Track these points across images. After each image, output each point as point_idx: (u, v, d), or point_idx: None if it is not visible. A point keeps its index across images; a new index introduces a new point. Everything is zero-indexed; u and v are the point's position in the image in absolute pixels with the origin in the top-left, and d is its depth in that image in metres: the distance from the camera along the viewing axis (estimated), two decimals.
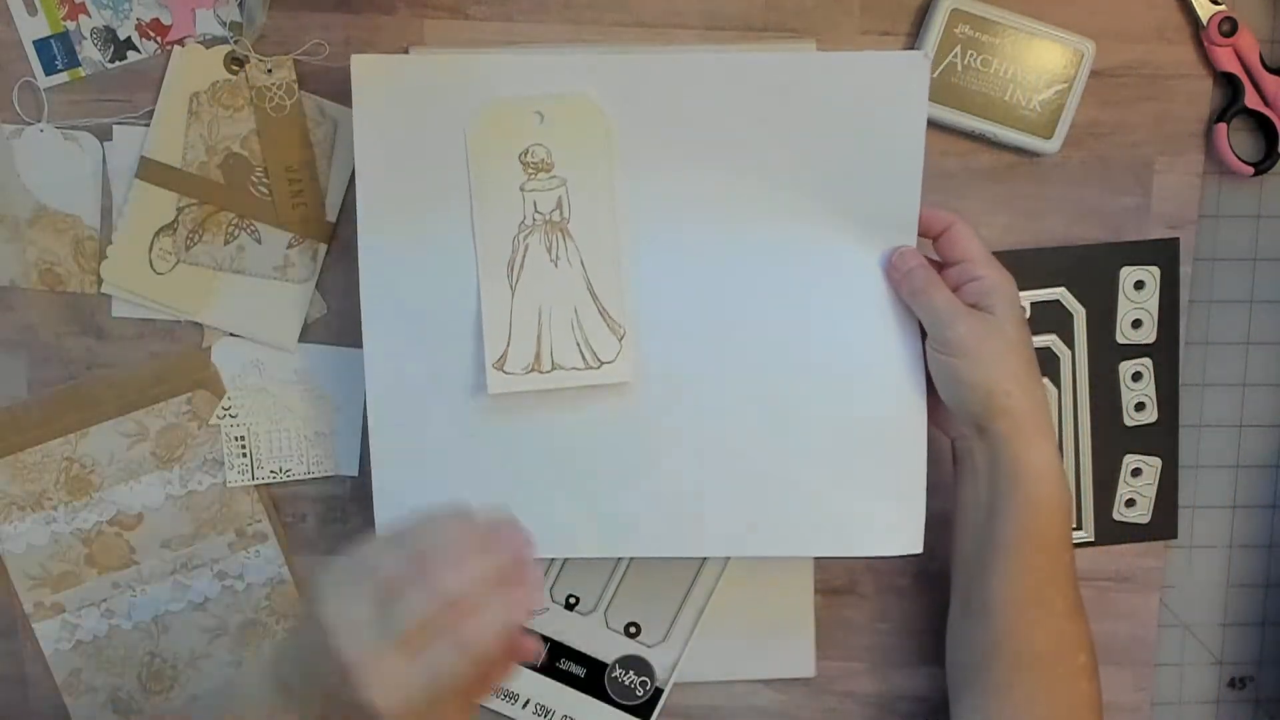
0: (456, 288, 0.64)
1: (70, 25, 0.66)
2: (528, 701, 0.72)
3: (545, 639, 0.72)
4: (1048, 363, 0.70)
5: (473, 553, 0.50)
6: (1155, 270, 0.70)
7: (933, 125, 0.69)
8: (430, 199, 0.64)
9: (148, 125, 0.67)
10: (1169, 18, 0.70)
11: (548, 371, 0.64)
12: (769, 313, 0.65)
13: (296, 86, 0.67)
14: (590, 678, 0.72)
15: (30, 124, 0.67)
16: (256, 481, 0.70)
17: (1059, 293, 0.70)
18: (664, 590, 0.72)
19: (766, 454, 0.65)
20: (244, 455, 0.70)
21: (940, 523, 0.67)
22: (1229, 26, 0.69)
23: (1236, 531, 0.76)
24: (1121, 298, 0.71)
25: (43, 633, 0.70)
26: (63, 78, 0.67)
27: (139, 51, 0.67)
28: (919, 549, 0.66)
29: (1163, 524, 0.72)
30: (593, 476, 0.65)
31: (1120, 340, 0.71)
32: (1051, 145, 0.69)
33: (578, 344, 0.64)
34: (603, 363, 0.64)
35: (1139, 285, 0.70)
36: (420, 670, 0.48)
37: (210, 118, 0.67)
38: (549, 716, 0.72)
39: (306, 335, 0.70)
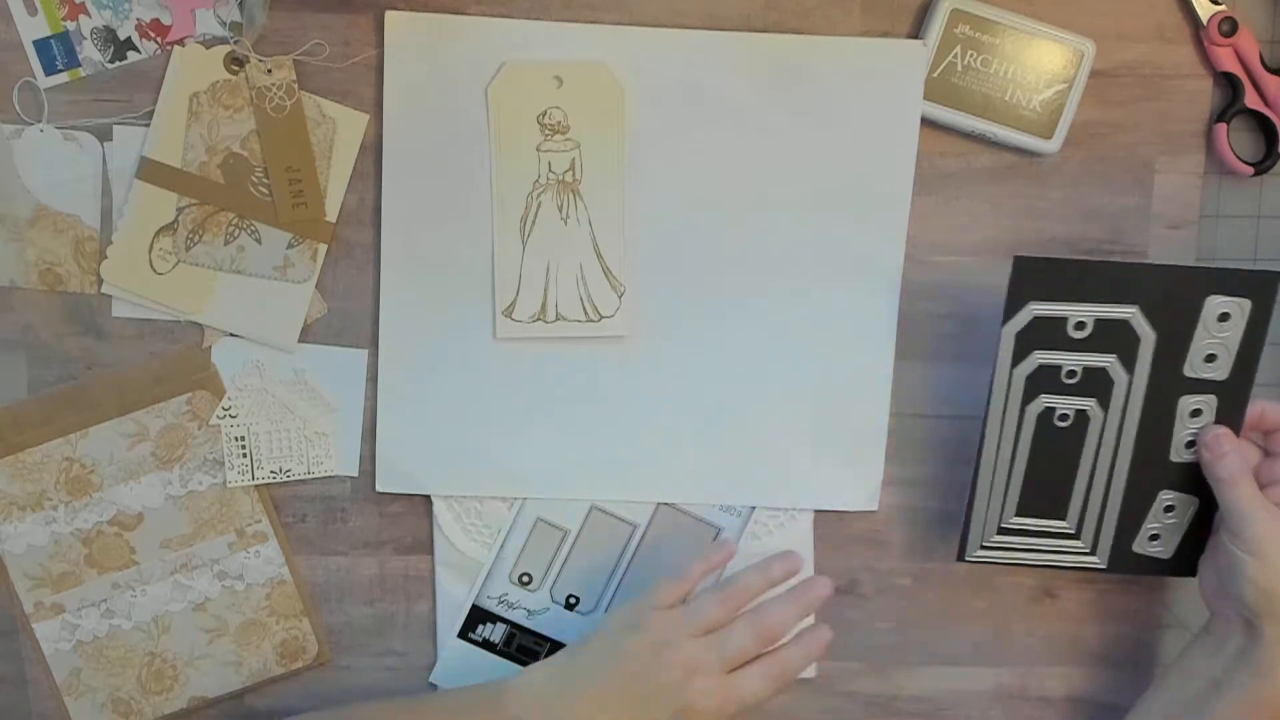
0: (471, 239, 0.68)
1: (70, 25, 0.66)
2: None
3: (545, 639, 0.72)
4: (1100, 384, 0.66)
5: (785, 601, 0.64)
6: (1246, 304, 0.64)
7: (933, 125, 0.69)
8: (451, 154, 0.68)
9: (148, 125, 0.67)
10: (1169, 18, 0.70)
11: (552, 321, 0.69)
12: (758, 282, 0.70)
13: (296, 86, 0.67)
14: None
15: (30, 124, 0.67)
16: (256, 482, 0.70)
17: (1131, 313, 0.64)
18: None
19: (742, 411, 0.70)
20: (244, 455, 0.70)
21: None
22: (1229, 26, 0.69)
23: None
24: (1200, 328, 0.64)
25: (43, 633, 0.70)
26: (63, 78, 0.67)
27: (139, 51, 0.67)
28: (875, 507, 0.72)
29: (1183, 562, 0.68)
30: (586, 421, 0.70)
31: (1188, 374, 0.65)
32: (1051, 145, 0.69)
33: (581, 298, 0.69)
34: (603, 316, 0.69)
35: (1223, 317, 0.64)
36: (736, 688, 0.62)
37: (210, 118, 0.67)
38: None
39: (306, 335, 0.70)
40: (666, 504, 0.71)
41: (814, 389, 0.71)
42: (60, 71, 0.67)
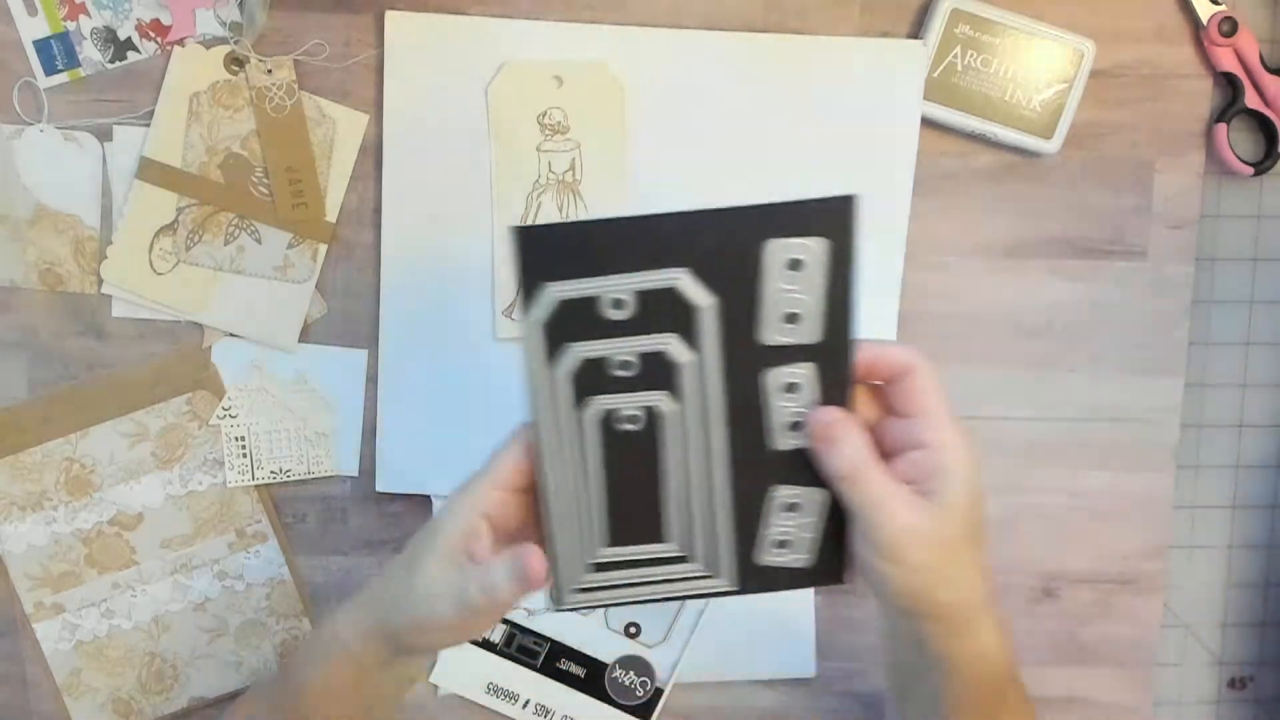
0: (471, 239, 0.68)
1: (70, 25, 0.66)
2: (528, 701, 0.72)
3: (545, 639, 0.72)
4: (662, 371, 0.51)
5: None
6: (820, 244, 0.50)
7: (933, 125, 0.69)
8: (451, 154, 0.68)
9: (148, 125, 0.67)
10: (1169, 18, 0.70)
11: None
12: None
13: (296, 86, 0.67)
14: (590, 678, 0.72)
15: (30, 124, 0.67)
16: (256, 482, 0.70)
17: (676, 277, 0.50)
18: None
19: None
20: (244, 455, 0.70)
21: None
22: (1229, 26, 0.69)
23: (1236, 531, 0.76)
24: (768, 283, 0.50)
25: (43, 633, 0.70)
26: (63, 78, 0.67)
27: (139, 52, 0.67)
28: None
29: (827, 567, 0.54)
30: None
31: (768, 341, 0.51)
32: (1051, 145, 0.69)
33: None
34: None
35: (795, 265, 0.50)
36: None
37: (210, 118, 0.67)
38: (549, 716, 0.72)
39: (306, 335, 0.69)
40: None
41: None
42: (60, 71, 0.67)
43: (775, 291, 0.50)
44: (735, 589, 0.55)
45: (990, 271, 0.71)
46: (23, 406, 0.69)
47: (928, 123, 0.69)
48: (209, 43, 0.67)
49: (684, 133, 0.68)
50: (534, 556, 0.51)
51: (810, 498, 0.54)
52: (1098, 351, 0.72)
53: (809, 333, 0.51)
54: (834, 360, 0.51)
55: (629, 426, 0.53)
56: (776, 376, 0.52)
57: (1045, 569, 0.74)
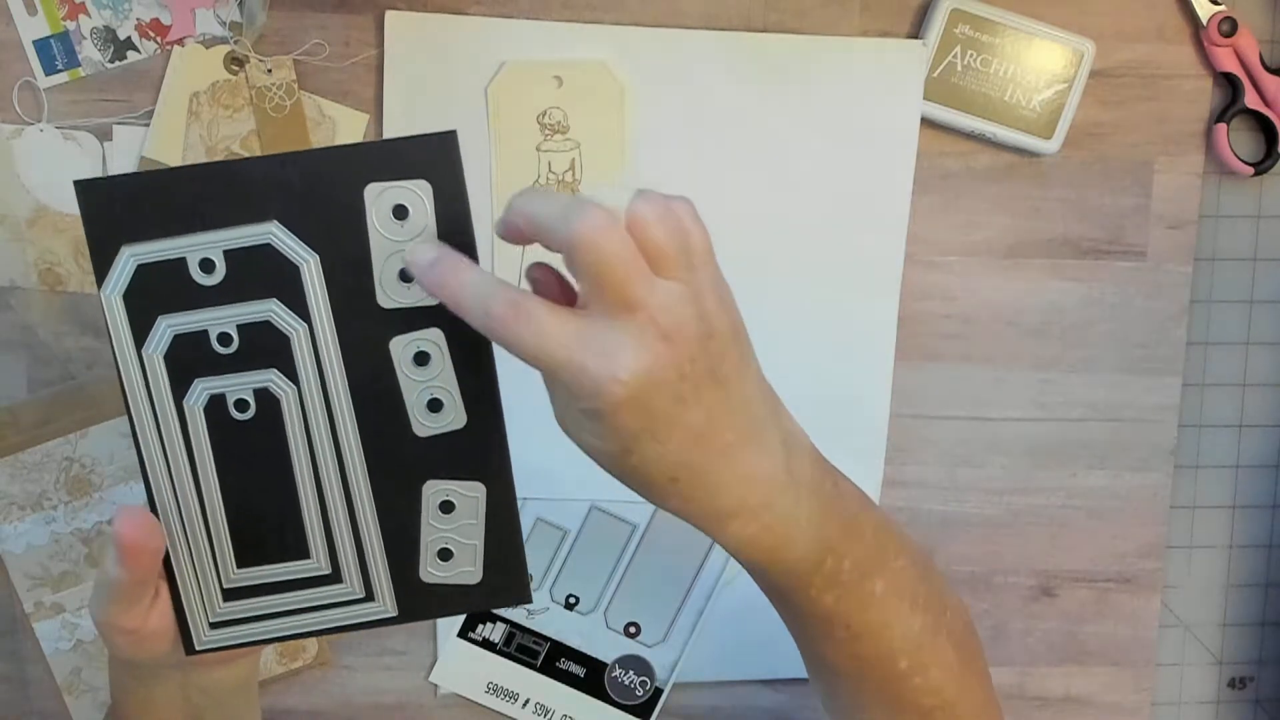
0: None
1: (70, 25, 0.66)
2: (528, 701, 0.72)
3: (545, 639, 0.72)
4: (270, 343, 0.45)
5: None
6: (424, 186, 0.45)
7: (933, 125, 0.69)
8: None
9: (148, 125, 0.67)
10: (1169, 18, 0.70)
11: None
12: (758, 282, 0.69)
13: (296, 86, 0.67)
14: (590, 678, 0.72)
15: (30, 124, 0.67)
16: None
17: (268, 231, 0.44)
18: (664, 590, 0.72)
19: None
20: None
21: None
22: (1229, 26, 0.69)
23: (1236, 531, 0.76)
24: (374, 235, 0.44)
25: (43, 633, 0.70)
26: (63, 78, 0.67)
27: (139, 51, 0.67)
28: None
29: (503, 582, 0.46)
30: None
31: (387, 304, 0.45)
32: (1051, 145, 0.69)
33: None
34: None
35: (401, 213, 0.44)
36: None
37: (210, 118, 0.67)
38: (549, 716, 0.72)
39: None
40: None
41: (814, 389, 0.70)
42: (60, 71, 0.67)
43: (384, 244, 0.44)
44: (395, 616, 0.47)
45: (990, 271, 0.71)
46: (23, 406, 0.69)
47: (928, 123, 0.69)
48: (209, 42, 0.67)
49: (684, 132, 0.68)
50: (122, 520, 0.43)
51: (467, 493, 0.46)
52: (1097, 351, 0.72)
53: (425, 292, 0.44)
54: (464, 324, 0.42)
55: (239, 415, 0.45)
56: (403, 346, 0.45)
57: (1044, 568, 0.74)
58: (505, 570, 0.46)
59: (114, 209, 0.44)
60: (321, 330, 0.45)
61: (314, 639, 0.72)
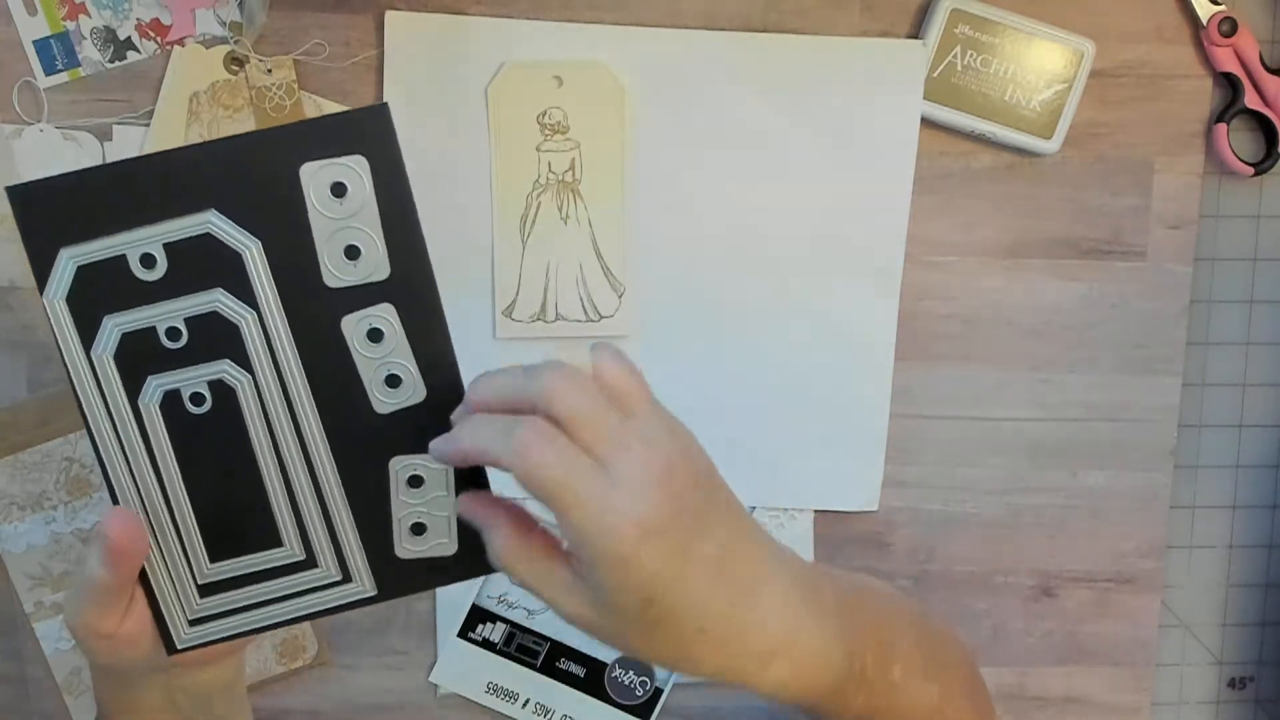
0: (471, 239, 0.68)
1: (70, 25, 0.66)
2: (527, 701, 0.72)
3: (545, 639, 0.72)
4: (220, 334, 0.45)
5: None
6: (359, 163, 0.45)
7: (933, 125, 0.69)
8: (451, 154, 0.68)
9: (148, 125, 0.67)
10: (1169, 18, 0.70)
11: (552, 321, 0.69)
12: (758, 282, 0.70)
13: (296, 86, 0.67)
14: (590, 678, 0.72)
15: (30, 124, 0.67)
16: None
17: (206, 221, 0.44)
18: None
19: (742, 411, 0.71)
20: None
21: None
22: (1229, 26, 0.69)
23: (1236, 531, 0.76)
24: (313, 215, 0.45)
25: (43, 633, 0.70)
26: (63, 78, 0.67)
27: (139, 51, 0.67)
28: (875, 507, 0.72)
29: (479, 548, 0.45)
30: None
31: (334, 284, 0.45)
32: (1051, 145, 0.69)
33: (580, 298, 0.69)
34: (603, 316, 0.69)
35: (339, 190, 0.45)
36: None
37: (210, 118, 0.67)
38: (549, 716, 0.72)
39: None
40: None
41: (814, 388, 0.71)
42: (60, 71, 0.67)
43: (325, 224, 0.44)
44: (375, 595, 0.47)
45: (990, 271, 0.71)
46: (23, 406, 0.69)
47: (928, 123, 0.69)
48: (209, 42, 0.67)
49: (684, 132, 0.68)
50: (111, 521, 0.44)
51: (434, 465, 0.46)
52: (1097, 351, 0.72)
53: (375, 268, 0.45)
54: (413, 297, 0.44)
55: (196, 409, 0.45)
56: (355, 325, 0.45)
57: (1044, 568, 0.74)
58: (476, 539, 0.46)
59: (49, 211, 0.44)
60: (271, 316, 0.45)
61: (313, 639, 0.72)
